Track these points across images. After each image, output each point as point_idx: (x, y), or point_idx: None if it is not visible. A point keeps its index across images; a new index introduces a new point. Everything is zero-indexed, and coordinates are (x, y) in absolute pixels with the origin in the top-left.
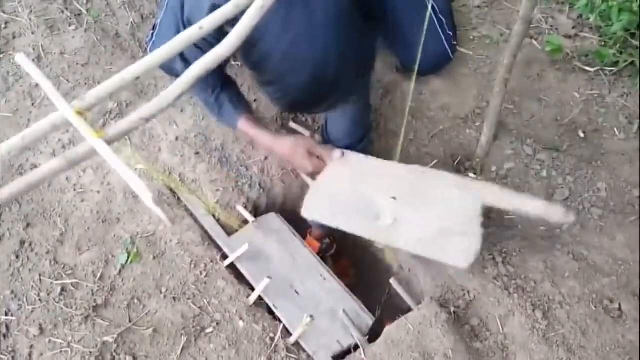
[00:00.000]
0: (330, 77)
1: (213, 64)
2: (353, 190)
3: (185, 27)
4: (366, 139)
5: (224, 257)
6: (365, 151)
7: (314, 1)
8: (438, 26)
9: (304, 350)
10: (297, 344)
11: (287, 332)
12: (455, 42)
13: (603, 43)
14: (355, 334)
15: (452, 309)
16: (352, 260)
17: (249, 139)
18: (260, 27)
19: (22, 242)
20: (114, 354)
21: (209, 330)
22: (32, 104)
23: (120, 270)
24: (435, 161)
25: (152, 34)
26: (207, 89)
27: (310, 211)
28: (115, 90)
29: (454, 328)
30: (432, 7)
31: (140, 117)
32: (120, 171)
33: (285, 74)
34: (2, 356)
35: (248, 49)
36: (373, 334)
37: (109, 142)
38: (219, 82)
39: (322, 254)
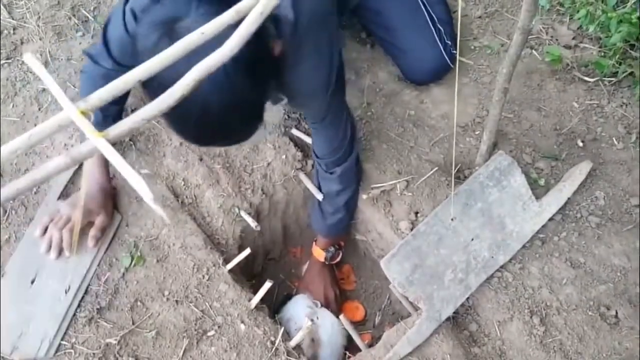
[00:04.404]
0: (211, 126)
1: (215, 65)
2: None
3: (125, 16)
4: (354, 152)
5: (226, 261)
6: (357, 162)
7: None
8: (436, 35)
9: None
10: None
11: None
12: (454, 51)
13: (602, 54)
14: None
15: (451, 315)
16: (353, 266)
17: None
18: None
19: None
20: (117, 355)
21: (210, 333)
22: (39, 109)
23: (123, 274)
24: (435, 168)
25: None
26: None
27: None
28: (118, 93)
29: (453, 333)
30: (430, 16)
31: (142, 117)
32: (121, 170)
33: (173, 117)
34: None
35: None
36: (373, 339)
37: (112, 142)
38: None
39: (326, 262)
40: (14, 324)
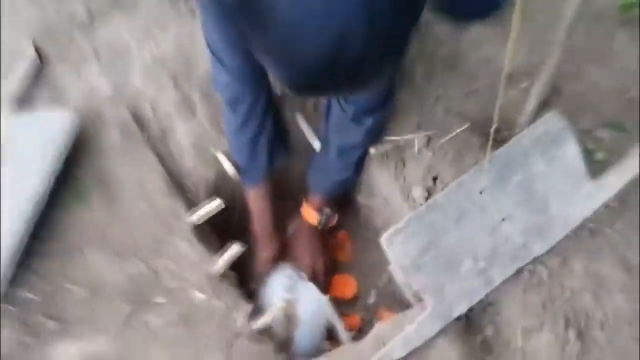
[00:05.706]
0: (350, 56)
1: None
2: None
3: None
4: (391, 104)
5: (193, 213)
6: (384, 119)
7: None
8: None
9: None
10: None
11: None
12: None
13: None
14: None
15: (463, 313)
16: (350, 234)
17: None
18: None
19: None
20: (39, 315)
21: (159, 299)
22: None
23: (64, 216)
24: (467, 125)
25: None
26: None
27: None
28: None
29: (463, 336)
30: None
31: None
32: None
33: (292, 41)
34: None
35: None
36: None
37: None
38: (259, 113)
39: (321, 228)
40: None
